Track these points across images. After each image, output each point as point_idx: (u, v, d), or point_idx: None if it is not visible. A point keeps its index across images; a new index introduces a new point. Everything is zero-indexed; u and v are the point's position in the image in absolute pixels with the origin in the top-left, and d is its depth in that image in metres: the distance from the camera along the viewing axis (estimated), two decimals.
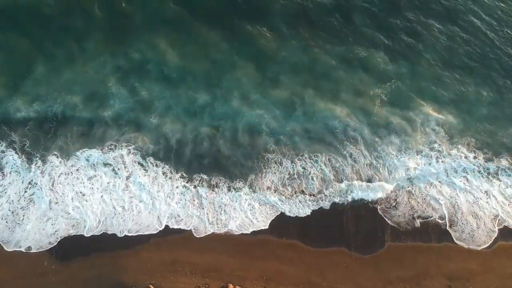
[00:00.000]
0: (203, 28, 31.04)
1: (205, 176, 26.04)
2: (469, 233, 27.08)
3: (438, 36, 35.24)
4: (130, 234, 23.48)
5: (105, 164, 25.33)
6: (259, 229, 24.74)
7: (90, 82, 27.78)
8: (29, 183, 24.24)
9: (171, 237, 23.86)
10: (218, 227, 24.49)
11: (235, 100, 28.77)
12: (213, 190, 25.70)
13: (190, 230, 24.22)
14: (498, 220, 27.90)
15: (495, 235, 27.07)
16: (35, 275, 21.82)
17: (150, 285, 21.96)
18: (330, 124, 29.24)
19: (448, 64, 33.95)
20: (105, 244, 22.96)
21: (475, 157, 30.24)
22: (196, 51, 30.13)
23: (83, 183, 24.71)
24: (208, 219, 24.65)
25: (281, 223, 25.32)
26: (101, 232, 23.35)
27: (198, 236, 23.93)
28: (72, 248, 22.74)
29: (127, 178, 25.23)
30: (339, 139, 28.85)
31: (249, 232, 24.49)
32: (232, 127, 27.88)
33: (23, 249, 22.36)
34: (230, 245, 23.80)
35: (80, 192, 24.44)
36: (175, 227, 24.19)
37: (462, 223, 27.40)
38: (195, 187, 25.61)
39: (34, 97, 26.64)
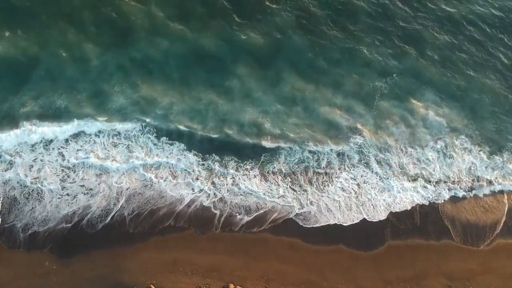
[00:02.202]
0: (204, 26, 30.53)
1: (217, 157, 26.34)
2: None
3: (439, 33, 34.94)
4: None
5: (116, 144, 25.25)
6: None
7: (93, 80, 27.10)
8: (34, 160, 23.99)
9: (171, 236, 23.81)
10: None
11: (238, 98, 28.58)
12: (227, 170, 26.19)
13: (191, 229, 24.20)
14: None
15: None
16: (36, 275, 21.78)
17: (151, 285, 22.04)
18: (332, 118, 29.25)
19: (450, 59, 33.85)
20: (106, 244, 22.90)
21: (480, 151, 30.38)
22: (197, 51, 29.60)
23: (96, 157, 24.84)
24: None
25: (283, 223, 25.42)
26: (132, 212, 23.74)
27: (204, 235, 24.10)
28: (73, 248, 22.70)
29: (145, 154, 25.37)
30: (343, 131, 28.95)
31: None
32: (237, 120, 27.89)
33: (29, 233, 22.44)
34: (231, 245, 23.82)
35: (97, 167, 24.59)
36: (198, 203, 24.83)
37: None
38: (209, 165, 26.06)
39: (38, 92, 25.91)
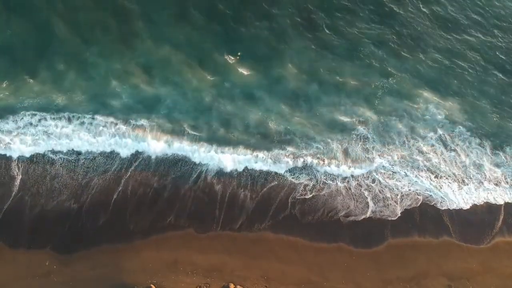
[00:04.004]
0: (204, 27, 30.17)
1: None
2: None
3: (440, 34, 34.86)
4: None
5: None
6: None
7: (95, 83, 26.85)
8: None
9: (171, 234, 23.73)
10: None
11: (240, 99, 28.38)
12: None
13: (191, 228, 24.17)
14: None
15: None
16: (37, 275, 21.75)
17: (152, 285, 22.07)
18: (336, 116, 29.27)
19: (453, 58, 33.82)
20: (107, 244, 22.89)
21: (481, 145, 30.60)
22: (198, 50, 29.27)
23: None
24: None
25: (283, 219, 25.41)
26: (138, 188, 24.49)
27: (204, 233, 24.06)
28: (74, 248, 22.66)
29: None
30: (348, 128, 29.04)
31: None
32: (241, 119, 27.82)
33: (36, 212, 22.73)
34: (231, 244, 23.79)
35: None
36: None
37: None
38: None
39: (38, 92, 25.78)
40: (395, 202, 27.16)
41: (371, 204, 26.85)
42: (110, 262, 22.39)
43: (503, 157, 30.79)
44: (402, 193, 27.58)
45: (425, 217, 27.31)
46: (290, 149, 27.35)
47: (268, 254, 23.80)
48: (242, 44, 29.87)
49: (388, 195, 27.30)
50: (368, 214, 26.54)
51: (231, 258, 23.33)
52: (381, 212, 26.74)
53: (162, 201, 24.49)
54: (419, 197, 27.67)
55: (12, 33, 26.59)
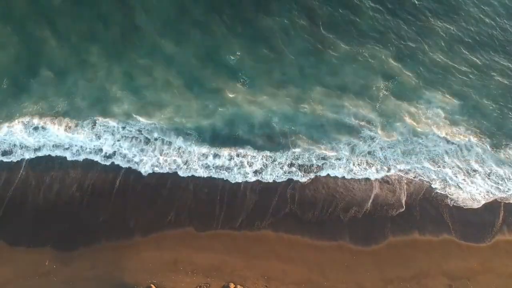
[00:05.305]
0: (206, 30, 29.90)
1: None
2: None
3: (442, 32, 34.53)
4: None
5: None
6: None
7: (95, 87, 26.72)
8: None
9: (172, 233, 23.71)
10: None
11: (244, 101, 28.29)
12: None
13: (191, 227, 24.15)
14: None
15: None
16: (37, 274, 21.82)
17: (152, 285, 22.09)
18: (339, 118, 29.26)
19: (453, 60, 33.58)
20: (107, 243, 22.90)
21: (480, 141, 30.78)
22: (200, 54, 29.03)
23: None
24: None
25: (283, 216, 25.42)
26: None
27: (203, 232, 23.98)
28: (73, 248, 22.68)
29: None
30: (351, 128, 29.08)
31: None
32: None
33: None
34: (231, 243, 23.77)
35: None
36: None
37: None
38: None
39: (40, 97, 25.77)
40: (400, 186, 27.41)
41: (375, 182, 26.89)
42: (110, 261, 22.41)
43: (504, 156, 30.70)
44: (407, 179, 28.02)
45: (425, 214, 27.24)
46: (297, 149, 27.52)
47: (269, 254, 23.80)
48: (241, 46, 29.60)
49: (393, 179, 27.80)
50: (372, 198, 26.58)
51: (231, 257, 23.32)
52: (385, 198, 26.66)
53: (162, 199, 24.49)
54: (424, 183, 27.97)
55: (11, 37, 26.58)
